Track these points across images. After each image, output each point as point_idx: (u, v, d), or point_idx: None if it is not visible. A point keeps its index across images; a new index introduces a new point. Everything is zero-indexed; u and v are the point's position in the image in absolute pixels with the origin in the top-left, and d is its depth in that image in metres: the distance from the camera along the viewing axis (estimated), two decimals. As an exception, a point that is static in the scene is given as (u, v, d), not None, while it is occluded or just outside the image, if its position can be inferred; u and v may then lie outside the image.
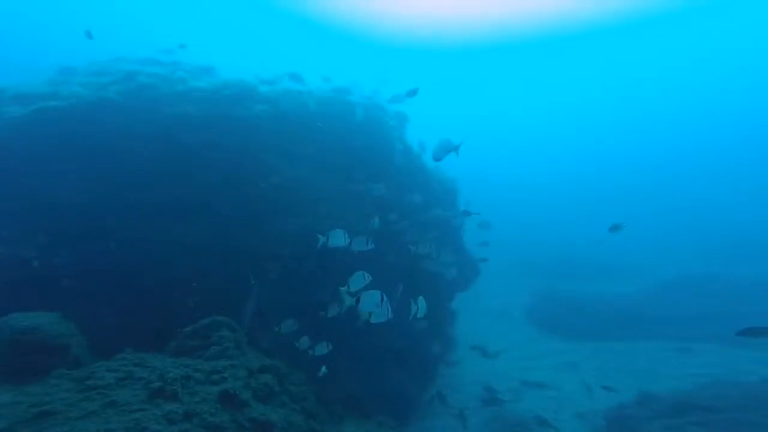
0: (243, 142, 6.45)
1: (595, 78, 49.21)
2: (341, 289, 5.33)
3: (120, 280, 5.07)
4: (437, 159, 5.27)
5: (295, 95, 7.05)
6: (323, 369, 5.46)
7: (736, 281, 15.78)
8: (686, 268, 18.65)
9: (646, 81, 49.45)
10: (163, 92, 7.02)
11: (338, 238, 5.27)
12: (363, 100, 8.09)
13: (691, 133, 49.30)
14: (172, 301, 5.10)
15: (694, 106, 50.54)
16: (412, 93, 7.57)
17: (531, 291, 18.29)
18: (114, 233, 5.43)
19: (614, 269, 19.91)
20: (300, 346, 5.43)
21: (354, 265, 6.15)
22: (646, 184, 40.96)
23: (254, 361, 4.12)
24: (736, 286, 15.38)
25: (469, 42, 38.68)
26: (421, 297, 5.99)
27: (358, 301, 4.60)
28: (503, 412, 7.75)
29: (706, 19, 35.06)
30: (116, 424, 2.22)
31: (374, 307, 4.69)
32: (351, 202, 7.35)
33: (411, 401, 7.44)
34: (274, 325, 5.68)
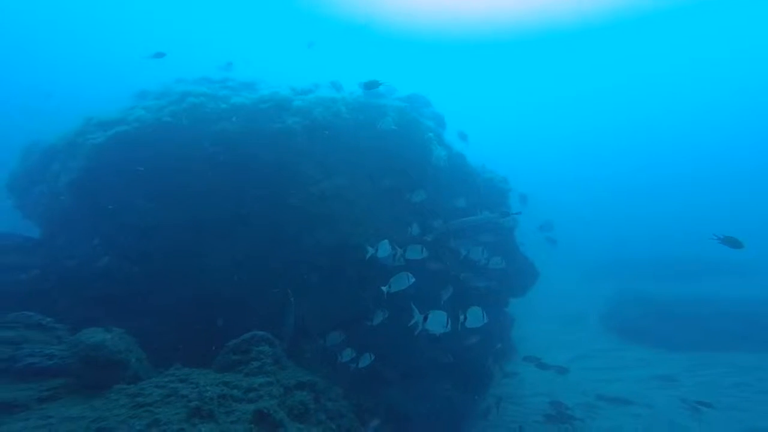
0: (279, 155, 6.82)
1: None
2: (383, 288, 5.60)
3: (176, 295, 5.79)
4: None
5: (328, 104, 7.25)
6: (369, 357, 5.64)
7: None
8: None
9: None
10: (209, 111, 7.66)
11: (385, 249, 5.77)
12: (397, 102, 8.02)
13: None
14: (220, 314, 5.69)
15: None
16: (373, 85, 7.33)
17: (607, 295, 16.75)
18: (166, 250, 6.20)
19: (721, 268, 17.20)
20: (343, 358, 5.69)
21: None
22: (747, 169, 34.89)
23: (291, 377, 4.40)
24: None
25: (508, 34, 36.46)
26: (474, 307, 6.00)
27: (425, 318, 5.11)
28: (574, 431, 7.16)
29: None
30: None
31: (441, 327, 5.19)
32: (389, 210, 7.39)
33: (461, 414, 7.34)
34: (316, 337, 6.02)
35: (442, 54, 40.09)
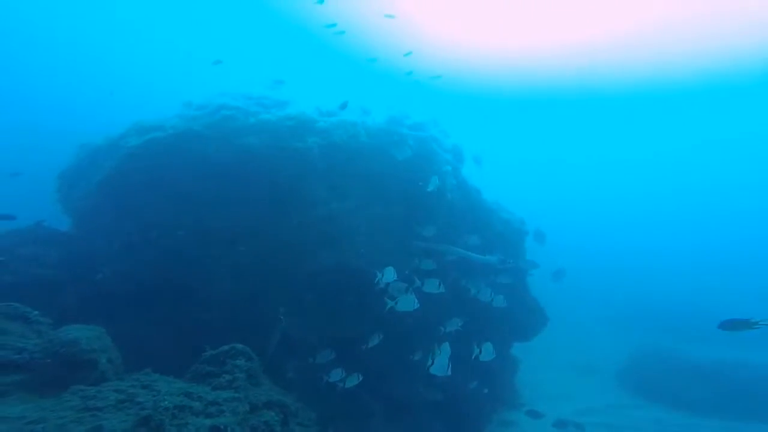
0: (295, 173, 6.84)
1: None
2: (389, 301, 5.43)
3: (176, 301, 5.75)
4: None
5: (348, 127, 7.27)
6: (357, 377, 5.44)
7: None
8: None
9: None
10: (239, 124, 7.92)
11: (391, 275, 5.82)
12: (418, 132, 7.92)
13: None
14: (213, 320, 5.57)
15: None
16: (343, 106, 7.34)
17: (628, 348, 15.31)
18: (179, 255, 6.23)
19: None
20: (331, 378, 5.38)
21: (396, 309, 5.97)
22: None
23: (262, 394, 4.12)
24: None
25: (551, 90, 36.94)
26: (488, 342, 5.80)
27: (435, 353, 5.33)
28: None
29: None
30: None
31: (445, 366, 5.43)
32: (396, 238, 7.13)
33: None
34: (303, 356, 5.73)
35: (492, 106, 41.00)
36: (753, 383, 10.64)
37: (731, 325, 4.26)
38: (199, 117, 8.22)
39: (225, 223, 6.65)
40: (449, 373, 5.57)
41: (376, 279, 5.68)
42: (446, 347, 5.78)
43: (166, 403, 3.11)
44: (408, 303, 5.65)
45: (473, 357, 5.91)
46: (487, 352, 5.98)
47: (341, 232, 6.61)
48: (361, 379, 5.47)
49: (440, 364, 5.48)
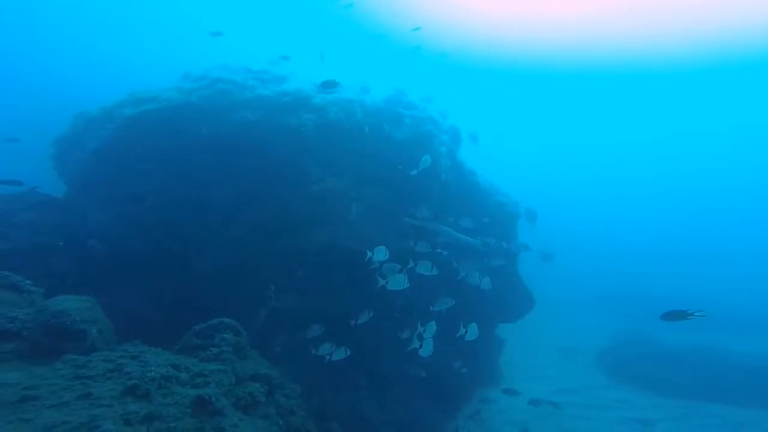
0: (289, 149, 6.76)
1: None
2: (380, 279, 5.58)
3: (169, 271, 5.83)
4: None
5: (345, 105, 7.12)
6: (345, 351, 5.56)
7: None
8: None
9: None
10: (235, 98, 7.75)
11: (382, 254, 5.91)
12: (416, 112, 7.76)
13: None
14: (208, 294, 5.68)
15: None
16: (331, 84, 7.08)
17: (612, 332, 15.80)
18: (173, 226, 6.27)
19: (736, 317, 15.75)
20: (320, 352, 5.55)
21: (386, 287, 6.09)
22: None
23: (248, 367, 4.27)
24: None
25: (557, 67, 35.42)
26: (473, 323, 6.02)
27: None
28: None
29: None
30: (74, 418, 2.53)
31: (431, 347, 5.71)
32: (388, 217, 7.16)
33: (428, 429, 7.02)
34: (293, 331, 5.89)
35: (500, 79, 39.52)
36: (719, 367, 11.17)
37: (670, 316, 4.58)
38: (195, 90, 8.02)
39: (218, 196, 6.64)
40: (432, 351, 5.84)
41: (367, 257, 5.77)
42: (431, 327, 6.00)
43: (153, 373, 3.23)
44: (398, 282, 5.80)
45: (458, 336, 6.15)
46: (472, 332, 6.21)
47: (333, 210, 6.62)
48: (348, 353, 5.64)
49: (427, 345, 5.75)
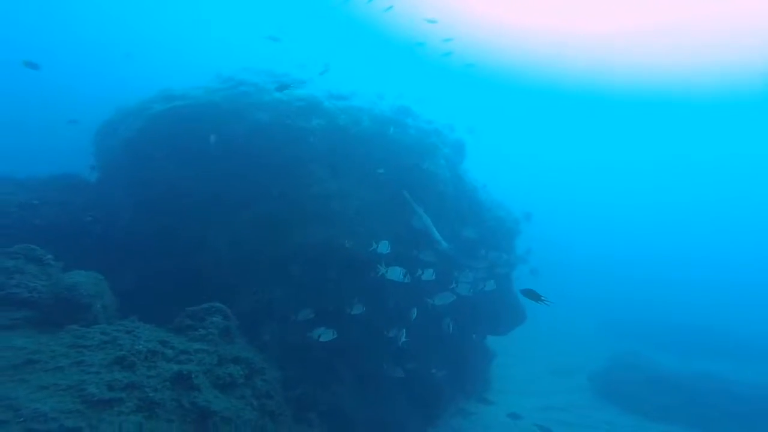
0: (298, 150, 7.05)
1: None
2: (380, 268, 5.84)
3: (175, 254, 6.23)
4: None
5: (353, 112, 7.32)
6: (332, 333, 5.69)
7: None
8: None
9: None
10: (254, 100, 8.12)
11: (386, 247, 6.34)
12: (423, 124, 7.87)
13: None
14: (207, 277, 6.03)
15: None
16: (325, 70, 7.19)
17: (610, 354, 15.30)
18: (182, 215, 6.67)
19: (738, 346, 14.89)
20: (310, 333, 5.69)
21: (379, 282, 6.29)
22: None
23: (233, 350, 4.54)
24: None
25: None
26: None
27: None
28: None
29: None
30: (65, 381, 2.84)
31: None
32: (386, 221, 7.31)
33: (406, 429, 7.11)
34: (280, 321, 6.15)
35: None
36: (710, 394, 10.71)
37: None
38: (220, 90, 8.46)
39: (229, 191, 7.01)
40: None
41: (371, 248, 6.15)
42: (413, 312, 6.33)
43: (141, 347, 3.54)
44: (396, 273, 6.08)
45: (442, 343, 6.27)
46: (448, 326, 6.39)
47: (332, 210, 6.85)
48: (335, 335, 5.72)
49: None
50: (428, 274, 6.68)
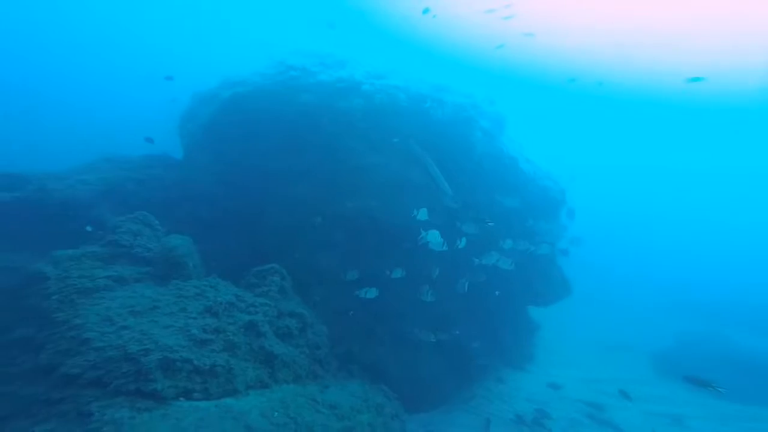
0: (339, 127, 7.57)
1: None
2: (422, 234, 6.48)
3: (244, 223, 7.40)
4: None
5: (390, 91, 7.51)
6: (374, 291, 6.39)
7: None
8: None
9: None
10: (301, 83, 8.69)
11: (424, 214, 6.88)
12: (461, 98, 7.75)
13: None
14: (267, 242, 7.13)
15: None
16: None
17: (679, 333, 14.30)
18: (247, 188, 7.76)
19: None
20: (360, 294, 6.55)
21: (413, 252, 6.85)
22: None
23: (289, 306, 5.58)
24: None
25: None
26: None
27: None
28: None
29: None
30: (177, 323, 3.98)
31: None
32: (420, 191, 7.65)
33: (441, 393, 7.52)
34: (328, 285, 7.07)
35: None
36: None
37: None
38: (273, 75, 9.18)
39: (282, 166, 7.89)
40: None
41: (413, 214, 6.73)
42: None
43: (222, 299, 4.64)
44: (437, 240, 6.56)
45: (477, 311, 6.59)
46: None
47: (371, 182, 7.39)
48: (377, 293, 6.43)
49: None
50: (463, 242, 6.99)
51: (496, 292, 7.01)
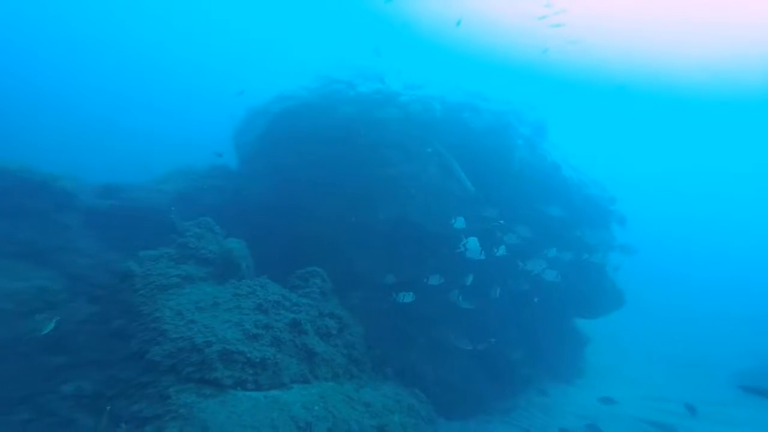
0: (375, 137, 7.87)
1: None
2: (462, 245, 6.63)
3: (289, 227, 8.01)
4: None
5: (426, 101, 7.65)
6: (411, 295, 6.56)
7: None
8: None
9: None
10: (342, 96, 9.17)
11: (460, 222, 7.02)
12: (499, 105, 7.67)
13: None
14: (310, 246, 7.63)
15: None
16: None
17: (759, 351, 12.54)
18: (292, 196, 8.35)
19: None
20: (397, 298, 6.79)
21: (450, 258, 6.94)
22: None
23: (329, 307, 5.97)
24: None
25: None
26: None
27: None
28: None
29: None
30: (234, 318, 4.51)
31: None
32: (455, 201, 7.68)
33: (478, 401, 7.43)
34: (366, 288, 7.40)
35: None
36: None
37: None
38: (317, 88, 9.80)
39: (324, 174, 8.36)
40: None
41: (452, 221, 6.91)
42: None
43: (271, 298, 5.17)
44: (475, 248, 6.68)
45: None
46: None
47: (408, 191, 7.59)
48: (413, 298, 6.58)
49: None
50: (502, 250, 6.95)
51: (535, 299, 6.81)
